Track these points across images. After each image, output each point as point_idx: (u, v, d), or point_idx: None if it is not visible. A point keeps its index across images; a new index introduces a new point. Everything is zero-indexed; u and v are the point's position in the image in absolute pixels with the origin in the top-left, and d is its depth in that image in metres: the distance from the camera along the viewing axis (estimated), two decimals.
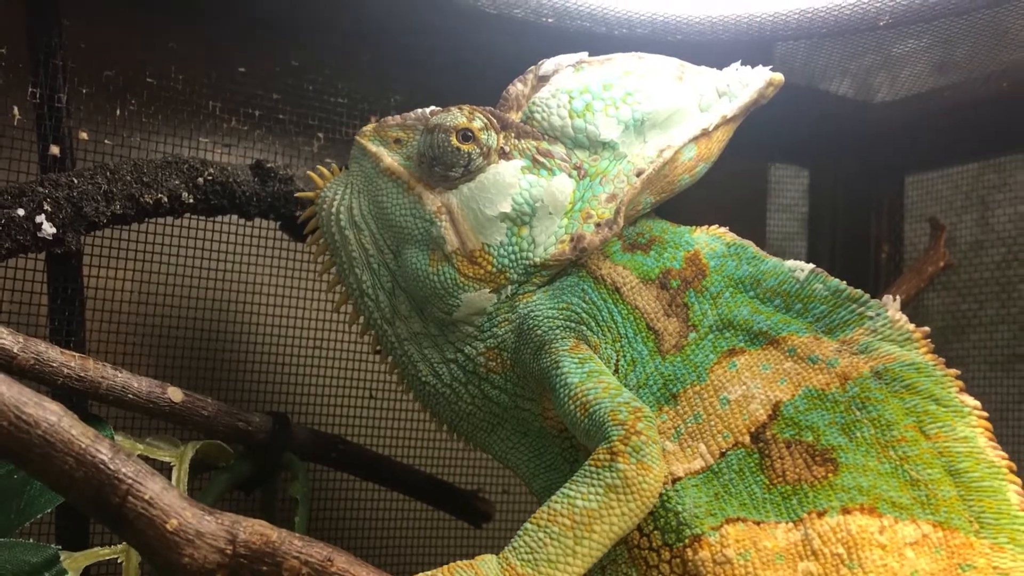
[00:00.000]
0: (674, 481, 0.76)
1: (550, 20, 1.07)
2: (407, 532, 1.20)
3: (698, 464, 0.76)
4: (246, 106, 1.11)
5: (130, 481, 0.63)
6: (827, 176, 1.58)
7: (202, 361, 1.10)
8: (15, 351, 0.79)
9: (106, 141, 1.04)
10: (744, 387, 0.78)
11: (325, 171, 0.91)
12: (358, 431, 1.16)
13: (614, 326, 0.82)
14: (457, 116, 0.83)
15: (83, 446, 0.62)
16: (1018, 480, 0.74)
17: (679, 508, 0.75)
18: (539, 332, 0.81)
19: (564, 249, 0.83)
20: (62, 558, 0.82)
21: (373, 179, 0.87)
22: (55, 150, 0.96)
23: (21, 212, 0.86)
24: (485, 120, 0.84)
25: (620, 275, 0.84)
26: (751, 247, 0.84)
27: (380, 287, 0.87)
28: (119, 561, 0.88)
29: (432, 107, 0.88)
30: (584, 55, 0.88)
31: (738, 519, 0.74)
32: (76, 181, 0.88)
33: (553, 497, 0.71)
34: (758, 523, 0.74)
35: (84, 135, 1.02)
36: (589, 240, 0.82)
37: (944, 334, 1.45)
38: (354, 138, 0.90)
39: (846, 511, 0.73)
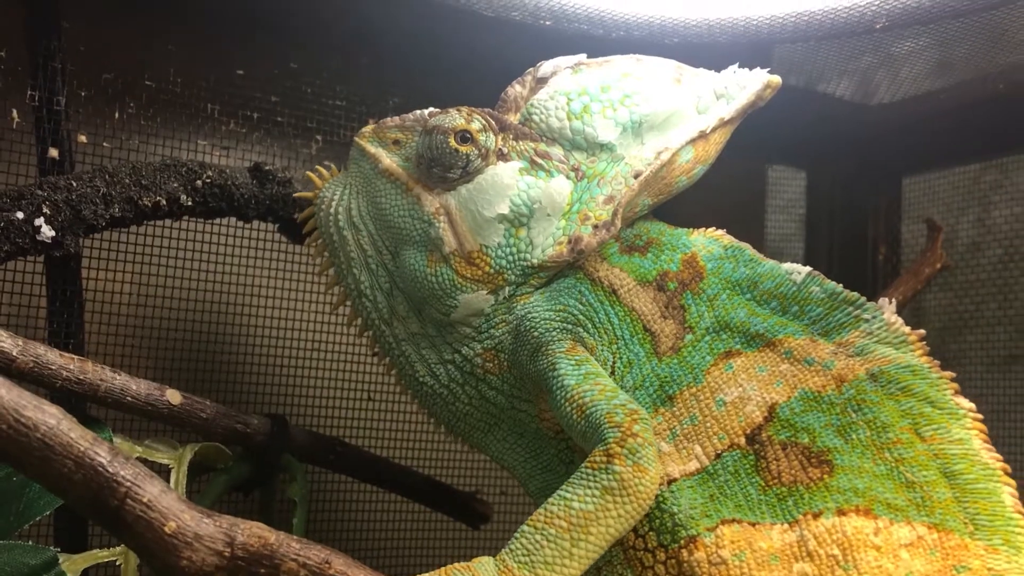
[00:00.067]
0: (670, 482, 0.76)
1: (548, 23, 1.07)
2: (405, 534, 1.20)
3: (694, 465, 0.77)
4: (245, 109, 1.11)
5: (129, 484, 0.64)
6: (825, 178, 1.58)
7: (200, 363, 1.10)
8: (14, 354, 0.79)
9: (105, 144, 1.04)
10: (740, 389, 0.78)
11: (324, 171, 0.92)
12: (356, 433, 1.16)
13: (611, 328, 0.82)
14: (455, 118, 0.84)
15: (82, 449, 0.62)
16: (1012, 482, 0.74)
17: (675, 509, 0.75)
18: (536, 334, 0.81)
19: (562, 251, 0.83)
20: (61, 560, 0.83)
21: (372, 180, 0.87)
22: (54, 153, 0.96)
23: (20, 215, 0.86)
24: (483, 122, 0.84)
25: (617, 277, 0.84)
26: (748, 250, 0.85)
27: (378, 288, 0.87)
28: (118, 563, 0.88)
29: (431, 109, 0.88)
30: (582, 57, 0.88)
31: (734, 520, 0.74)
32: (75, 184, 0.89)
33: (550, 499, 0.72)
34: (753, 524, 0.74)
35: (83, 138, 1.02)
36: (587, 242, 0.82)
37: (942, 334, 1.46)
38: (353, 139, 0.90)
39: (841, 513, 0.73)
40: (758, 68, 0.88)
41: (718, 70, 0.89)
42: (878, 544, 0.72)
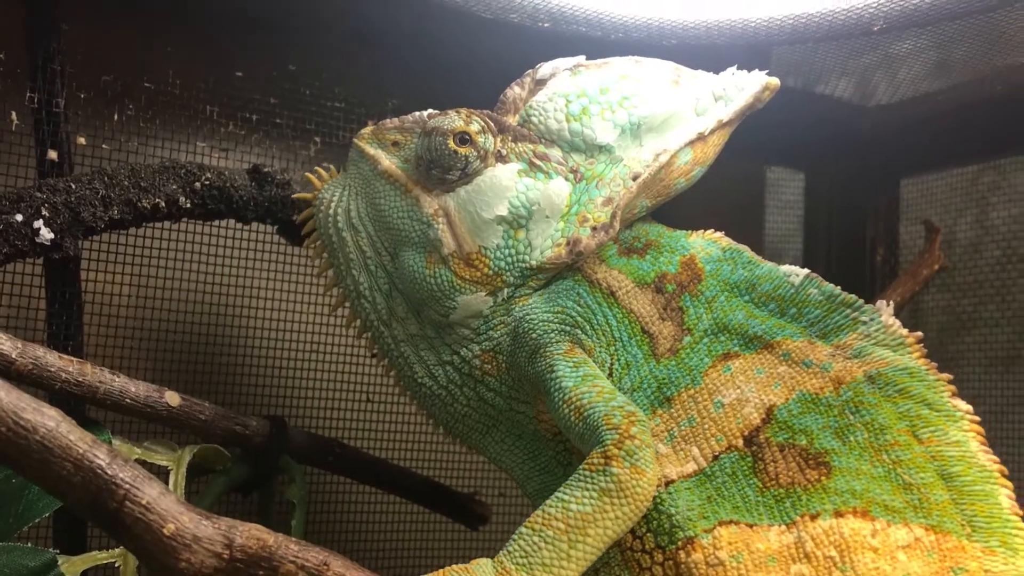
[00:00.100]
0: (667, 484, 0.76)
1: (546, 24, 1.07)
2: (404, 535, 1.20)
3: (691, 467, 0.77)
4: (243, 110, 1.12)
5: (127, 486, 0.64)
6: (823, 179, 1.58)
7: (199, 365, 1.10)
8: (13, 356, 0.79)
9: (104, 146, 1.04)
10: (738, 391, 0.78)
11: (323, 173, 0.92)
12: (355, 434, 1.16)
13: (609, 330, 0.82)
14: (454, 119, 0.84)
15: (81, 451, 0.62)
16: (1009, 484, 0.74)
17: (672, 510, 0.75)
18: (534, 335, 0.82)
19: (560, 252, 0.83)
20: (60, 562, 0.83)
21: (371, 181, 0.87)
22: (53, 155, 0.96)
23: (19, 217, 0.86)
24: (482, 123, 0.84)
25: (615, 279, 0.84)
26: (746, 252, 0.85)
27: (377, 289, 0.87)
28: (116, 565, 0.88)
29: (430, 110, 0.88)
30: (581, 59, 0.88)
31: (731, 522, 0.74)
32: (74, 186, 0.89)
33: (548, 501, 0.72)
34: (751, 526, 0.74)
35: (82, 140, 1.02)
36: (585, 243, 0.82)
37: (941, 335, 1.46)
38: (352, 141, 0.90)
39: (839, 514, 0.73)
40: (756, 70, 0.88)
41: (716, 72, 0.89)
42: (875, 546, 0.72)
